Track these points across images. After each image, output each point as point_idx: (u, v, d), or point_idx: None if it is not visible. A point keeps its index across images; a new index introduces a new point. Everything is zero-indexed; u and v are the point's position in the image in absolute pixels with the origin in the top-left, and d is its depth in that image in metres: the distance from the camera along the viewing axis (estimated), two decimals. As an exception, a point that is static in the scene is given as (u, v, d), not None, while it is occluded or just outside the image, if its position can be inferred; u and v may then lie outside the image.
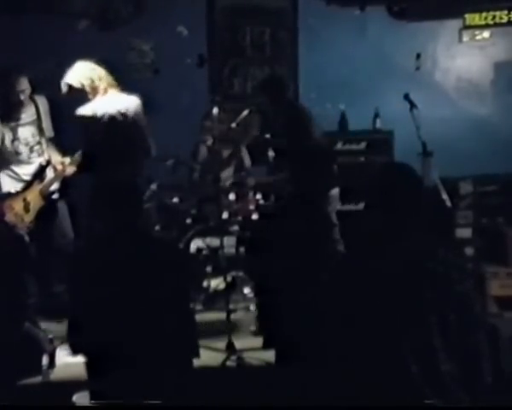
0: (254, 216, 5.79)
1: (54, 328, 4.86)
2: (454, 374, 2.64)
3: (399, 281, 2.71)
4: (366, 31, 7.01)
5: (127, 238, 3.32)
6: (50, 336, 4.53)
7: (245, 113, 5.78)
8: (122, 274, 3.19)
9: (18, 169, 5.63)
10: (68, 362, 4.67)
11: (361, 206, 6.55)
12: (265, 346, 4.65)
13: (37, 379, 4.25)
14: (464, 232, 5.63)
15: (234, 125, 5.74)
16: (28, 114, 5.64)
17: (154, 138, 5.17)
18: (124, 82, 5.20)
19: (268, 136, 6.07)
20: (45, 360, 4.35)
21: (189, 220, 5.83)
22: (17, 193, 5.50)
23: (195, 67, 6.94)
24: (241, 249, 5.99)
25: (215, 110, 5.52)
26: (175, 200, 5.89)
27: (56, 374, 4.38)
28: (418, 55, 6.94)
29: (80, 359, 4.67)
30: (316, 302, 3.22)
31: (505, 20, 6.82)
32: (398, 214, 2.81)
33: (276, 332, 4.43)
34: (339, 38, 7.01)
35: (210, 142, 5.81)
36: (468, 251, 5.51)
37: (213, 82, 7.14)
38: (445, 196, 4.98)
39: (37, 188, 5.52)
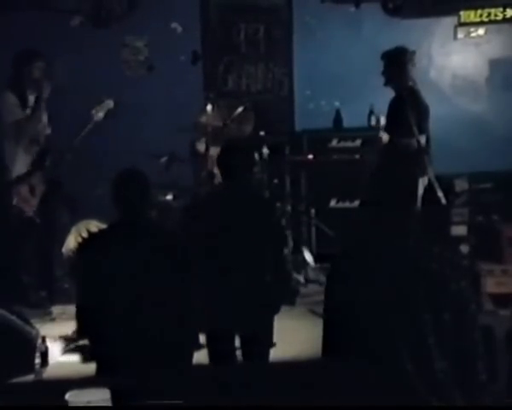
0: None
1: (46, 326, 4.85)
2: (448, 372, 2.62)
3: (394, 279, 2.69)
4: (361, 28, 7.00)
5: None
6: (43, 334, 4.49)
7: (239, 109, 5.76)
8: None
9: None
10: (61, 361, 4.66)
11: (356, 203, 6.54)
12: None
13: (30, 378, 4.20)
14: (459, 230, 5.62)
15: (228, 121, 5.72)
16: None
17: (149, 135, 5.14)
18: (117, 79, 5.17)
19: (262, 133, 6.05)
20: (38, 358, 4.31)
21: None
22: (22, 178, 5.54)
23: (190, 64, 6.90)
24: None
25: (209, 107, 5.49)
26: (169, 197, 5.86)
27: (49, 373, 4.34)
28: (413, 52, 6.91)
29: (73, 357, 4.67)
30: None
31: (500, 17, 6.79)
32: (394, 212, 2.80)
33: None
34: (334, 35, 6.99)
35: (204, 139, 5.80)
36: (464, 249, 5.49)
37: (208, 79, 7.11)
38: (440, 194, 4.97)
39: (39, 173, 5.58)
